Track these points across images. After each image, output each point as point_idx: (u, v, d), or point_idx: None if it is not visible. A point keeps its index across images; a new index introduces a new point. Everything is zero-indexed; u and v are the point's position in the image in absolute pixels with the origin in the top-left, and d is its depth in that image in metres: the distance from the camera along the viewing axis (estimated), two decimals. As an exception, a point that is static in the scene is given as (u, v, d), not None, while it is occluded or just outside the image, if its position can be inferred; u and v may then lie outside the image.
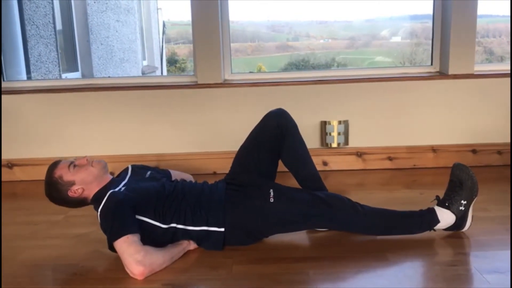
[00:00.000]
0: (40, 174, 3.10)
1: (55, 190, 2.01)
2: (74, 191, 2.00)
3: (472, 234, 2.04)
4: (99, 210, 1.90)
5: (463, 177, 1.98)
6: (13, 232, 2.28)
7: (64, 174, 1.99)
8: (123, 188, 1.99)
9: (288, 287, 1.71)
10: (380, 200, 2.43)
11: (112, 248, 1.84)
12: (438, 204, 2.01)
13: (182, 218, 1.94)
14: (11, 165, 3.11)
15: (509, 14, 3.23)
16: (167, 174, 2.30)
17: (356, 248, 2.00)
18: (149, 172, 2.21)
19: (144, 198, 1.94)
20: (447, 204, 1.98)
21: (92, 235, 2.16)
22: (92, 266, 1.92)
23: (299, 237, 2.09)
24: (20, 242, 2.18)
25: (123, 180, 2.08)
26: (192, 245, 1.99)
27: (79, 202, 2.04)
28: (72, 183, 1.99)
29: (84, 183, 2.00)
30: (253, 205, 1.99)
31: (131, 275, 1.78)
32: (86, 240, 2.16)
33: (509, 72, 2.99)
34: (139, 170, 2.22)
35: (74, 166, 2.02)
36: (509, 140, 3.02)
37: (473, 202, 2.00)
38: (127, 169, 2.20)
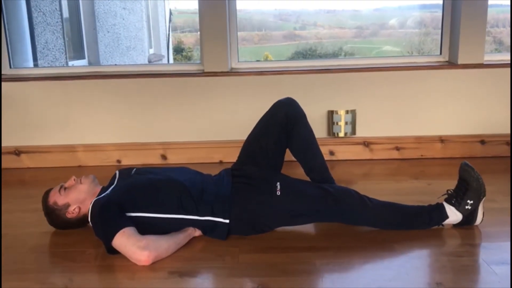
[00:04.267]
0: (48, 161, 3.12)
1: (55, 216, 2.05)
2: (72, 212, 2.02)
3: (480, 225, 2.02)
4: (89, 221, 1.94)
5: (468, 178, 1.96)
6: (21, 220, 2.29)
7: (57, 198, 2.03)
8: (108, 191, 2.00)
9: (295, 276, 1.71)
10: (387, 191, 2.43)
11: (111, 251, 1.85)
12: (446, 200, 2.00)
13: (185, 208, 1.94)
14: (18, 152, 3.13)
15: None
16: (157, 170, 2.28)
17: (363, 238, 1.99)
18: (134, 169, 2.21)
19: (129, 193, 1.96)
20: (453, 202, 1.97)
21: (99, 223, 2.16)
22: (99, 253, 1.92)
23: (306, 227, 2.09)
24: (28, 229, 2.18)
25: (112, 185, 2.08)
26: (197, 232, 1.99)
27: (81, 221, 2.05)
28: (68, 205, 2.02)
29: (78, 202, 2.03)
30: (260, 198, 1.98)
31: (138, 263, 1.78)
32: (93, 227, 2.16)
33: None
34: (125, 171, 2.22)
35: (64, 189, 2.05)
36: (518, 131, 3.00)
37: (483, 201, 1.98)
38: (115, 174, 2.19)
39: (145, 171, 2.19)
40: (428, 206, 2.01)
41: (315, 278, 1.72)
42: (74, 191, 2.04)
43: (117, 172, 2.20)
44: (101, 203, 1.90)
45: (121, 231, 1.79)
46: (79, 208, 2.03)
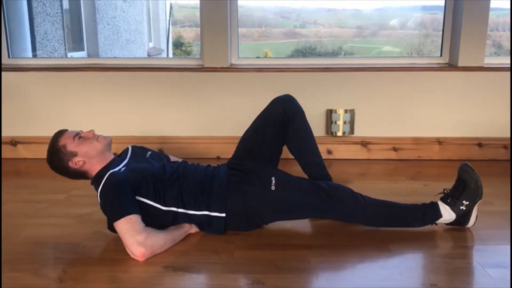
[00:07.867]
0: (44, 152, 3.11)
1: (56, 158, 2.00)
2: (75, 163, 1.98)
3: (474, 227, 2.02)
4: (99, 190, 1.90)
5: (467, 179, 1.96)
6: (15, 210, 2.29)
7: (68, 144, 1.98)
8: (123, 169, 1.97)
9: (289, 273, 1.71)
10: (384, 191, 2.42)
11: (111, 229, 1.84)
12: (441, 199, 2.00)
13: (184, 202, 1.94)
14: (14, 142, 3.11)
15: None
16: (167, 157, 2.29)
17: (359, 237, 1.99)
18: (149, 153, 2.20)
19: (144, 179, 1.93)
20: (449, 201, 1.98)
21: (94, 216, 2.16)
22: (93, 246, 1.92)
23: (301, 225, 2.09)
24: (22, 220, 2.18)
25: (124, 160, 2.07)
26: (193, 229, 1.98)
27: (78, 174, 2.03)
28: (75, 154, 1.98)
29: (86, 157, 1.99)
30: (254, 192, 1.98)
31: (132, 256, 1.78)
32: (88, 220, 2.16)
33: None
34: (139, 150, 2.21)
35: (79, 137, 2.00)
36: (516, 135, 3.00)
37: (478, 204, 1.98)
38: (127, 149, 2.18)
39: (159, 157, 2.18)
40: (422, 205, 2.01)
41: (310, 276, 1.72)
42: (88, 145, 1.99)
43: (130, 148, 2.18)
44: (118, 179, 1.86)
45: (128, 217, 1.76)
46: (84, 162, 1.99)
